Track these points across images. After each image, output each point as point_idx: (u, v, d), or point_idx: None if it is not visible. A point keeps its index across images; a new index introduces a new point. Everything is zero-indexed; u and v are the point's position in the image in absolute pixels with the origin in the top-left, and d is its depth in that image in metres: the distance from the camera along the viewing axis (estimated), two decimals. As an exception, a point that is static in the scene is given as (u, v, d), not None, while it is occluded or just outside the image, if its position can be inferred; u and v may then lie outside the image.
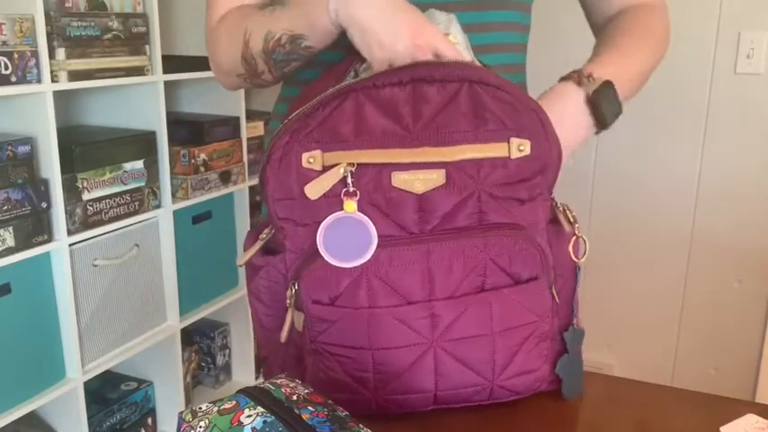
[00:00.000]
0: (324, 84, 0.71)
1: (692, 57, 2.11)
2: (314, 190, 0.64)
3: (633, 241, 2.30)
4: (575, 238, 0.71)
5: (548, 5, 2.21)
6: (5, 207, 1.44)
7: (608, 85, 0.77)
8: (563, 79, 0.79)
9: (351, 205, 0.64)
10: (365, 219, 0.64)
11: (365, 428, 0.51)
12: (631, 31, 0.87)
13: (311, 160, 0.64)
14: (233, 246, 2.19)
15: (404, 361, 0.66)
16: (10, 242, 1.45)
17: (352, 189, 0.64)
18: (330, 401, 0.54)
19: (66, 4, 1.56)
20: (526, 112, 0.66)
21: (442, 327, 0.65)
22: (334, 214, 0.64)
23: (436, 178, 0.64)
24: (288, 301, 0.67)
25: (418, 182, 0.64)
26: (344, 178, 0.64)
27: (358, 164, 0.64)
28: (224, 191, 2.07)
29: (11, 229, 1.45)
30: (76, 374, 1.64)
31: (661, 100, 2.17)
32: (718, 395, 0.76)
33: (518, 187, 0.67)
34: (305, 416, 0.50)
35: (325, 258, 0.64)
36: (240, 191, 2.16)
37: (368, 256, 0.64)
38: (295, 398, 0.53)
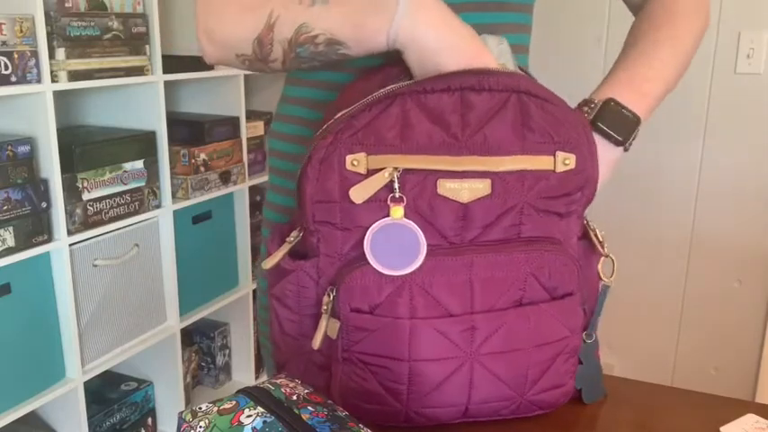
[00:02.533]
0: (366, 86, 0.69)
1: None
2: (359, 194, 0.62)
3: (633, 241, 2.30)
4: (603, 257, 0.72)
5: (547, 5, 2.21)
6: (5, 207, 1.44)
7: (607, 104, 0.77)
8: None
9: (398, 211, 0.63)
10: (413, 225, 0.63)
11: (365, 428, 0.51)
12: (656, 32, 0.85)
13: (355, 162, 0.62)
14: (233, 246, 2.19)
15: (440, 373, 0.65)
16: (10, 242, 1.45)
17: (398, 194, 0.62)
18: (330, 401, 0.54)
19: (66, 4, 1.56)
20: (572, 126, 0.65)
21: (480, 340, 0.64)
22: (381, 220, 0.63)
23: (482, 188, 0.63)
24: (324, 308, 0.65)
25: (464, 191, 0.63)
26: (390, 183, 0.62)
27: (404, 169, 0.62)
28: (224, 191, 2.07)
29: (11, 229, 1.45)
30: (76, 374, 1.64)
31: (661, 100, 2.17)
32: (718, 395, 0.76)
33: (559, 201, 0.66)
34: (305, 416, 0.50)
35: (374, 266, 0.62)
36: (240, 191, 2.16)
37: (417, 264, 0.63)
38: (295, 398, 0.53)
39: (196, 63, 1.92)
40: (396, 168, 0.62)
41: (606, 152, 0.77)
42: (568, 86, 2.23)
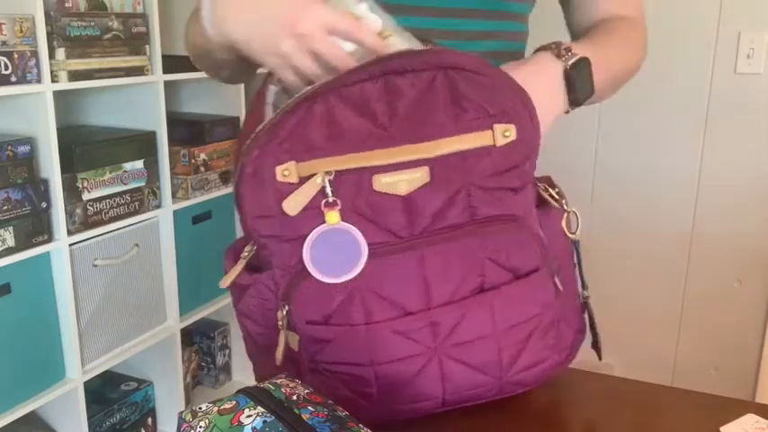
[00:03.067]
0: (257, 111, 0.68)
1: (692, 57, 2.11)
2: (292, 205, 0.60)
3: (633, 241, 2.30)
4: (566, 214, 0.69)
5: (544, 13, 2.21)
6: (5, 207, 1.44)
7: (585, 61, 0.73)
8: (540, 49, 0.75)
9: (333, 216, 0.60)
10: (351, 228, 0.60)
11: (365, 428, 0.51)
12: (611, 34, 0.84)
13: (286, 173, 0.60)
14: (233, 246, 2.19)
15: (407, 372, 0.63)
16: (10, 242, 1.45)
17: (332, 199, 0.60)
18: (330, 401, 0.54)
19: (66, 4, 1.56)
20: (508, 94, 0.62)
21: (444, 333, 0.63)
22: (317, 228, 0.60)
23: (420, 177, 0.61)
24: (279, 323, 0.64)
25: (401, 183, 0.60)
26: (323, 188, 0.60)
27: (336, 171, 0.60)
28: (224, 191, 2.07)
29: (11, 229, 1.45)
30: (76, 374, 1.64)
31: (661, 100, 2.17)
32: (718, 395, 0.76)
33: (509, 176, 0.63)
34: (305, 416, 0.50)
35: (315, 276, 0.60)
36: (240, 191, 2.16)
37: (359, 268, 0.60)
38: (295, 398, 0.53)
39: (196, 63, 1.92)
40: (327, 172, 0.60)
41: (556, 105, 0.73)
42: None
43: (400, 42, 0.66)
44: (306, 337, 0.63)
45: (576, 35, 0.91)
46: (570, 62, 0.72)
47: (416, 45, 0.67)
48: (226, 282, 0.66)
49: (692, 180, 2.18)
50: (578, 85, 0.73)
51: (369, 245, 0.61)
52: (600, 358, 0.75)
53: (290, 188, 0.60)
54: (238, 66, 0.78)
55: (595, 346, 0.75)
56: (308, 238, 0.60)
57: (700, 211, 2.19)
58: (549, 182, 0.72)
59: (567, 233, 0.69)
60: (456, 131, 0.61)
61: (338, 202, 0.60)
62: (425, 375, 0.64)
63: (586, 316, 0.76)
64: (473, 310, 0.63)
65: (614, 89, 0.85)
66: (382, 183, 0.60)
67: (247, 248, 0.66)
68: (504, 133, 0.62)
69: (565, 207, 0.69)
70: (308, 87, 0.62)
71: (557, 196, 0.69)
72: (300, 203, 0.60)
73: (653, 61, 2.15)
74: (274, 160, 0.60)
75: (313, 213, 0.61)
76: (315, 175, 0.60)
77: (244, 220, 0.63)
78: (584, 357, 0.77)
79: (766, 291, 2.14)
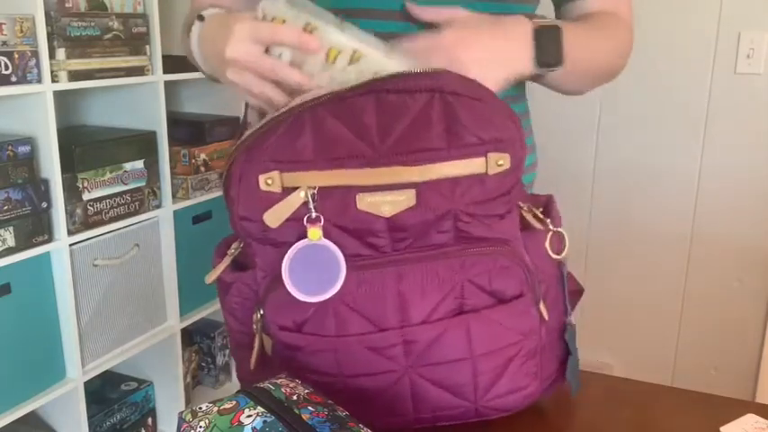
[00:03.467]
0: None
1: (692, 57, 2.11)
2: (273, 218, 0.60)
3: (633, 241, 2.30)
4: (549, 234, 0.66)
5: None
6: (5, 207, 1.44)
7: (556, 28, 0.72)
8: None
9: (315, 233, 0.59)
10: (332, 246, 0.59)
11: (365, 428, 0.51)
12: (597, 23, 0.82)
13: (269, 182, 0.59)
14: (233, 246, 2.19)
15: (377, 388, 0.62)
16: (10, 242, 1.45)
17: (314, 215, 0.59)
18: (330, 401, 0.54)
19: (67, 4, 1.56)
20: (504, 122, 0.60)
21: (417, 353, 0.61)
22: (298, 244, 0.59)
23: (405, 200, 0.59)
24: (254, 326, 0.63)
25: (386, 204, 0.59)
26: (306, 202, 0.59)
27: (320, 186, 0.59)
28: (224, 191, 2.07)
29: (11, 229, 1.45)
30: (76, 374, 1.64)
31: (661, 100, 2.17)
32: (718, 395, 0.76)
33: (496, 203, 0.62)
34: (305, 416, 0.50)
35: (292, 292, 0.59)
36: (240, 191, 2.16)
37: (336, 289, 0.59)
38: (295, 398, 0.53)
39: (196, 63, 1.92)
40: (311, 187, 0.59)
41: (518, 62, 0.71)
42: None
43: (335, 34, 0.64)
44: (279, 342, 0.62)
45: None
46: (540, 24, 0.71)
47: (356, 35, 0.66)
48: (210, 277, 0.66)
49: (692, 180, 2.18)
50: (546, 47, 0.71)
51: (349, 257, 0.60)
52: (573, 392, 0.73)
53: (273, 197, 0.60)
54: None
55: (572, 374, 0.72)
56: (288, 254, 0.59)
57: (700, 211, 2.19)
58: (546, 202, 0.70)
59: (552, 255, 0.67)
60: (448, 157, 0.59)
61: (321, 218, 0.59)
62: (396, 393, 0.63)
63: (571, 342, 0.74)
64: (449, 332, 0.61)
65: (592, 79, 0.83)
66: (366, 202, 0.59)
67: (234, 245, 0.66)
68: (498, 162, 0.60)
69: (550, 227, 0.66)
70: (299, 98, 0.61)
71: (540, 216, 0.67)
72: (281, 217, 0.60)
73: (653, 61, 2.15)
74: (259, 168, 0.59)
75: (296, 224, 0.60)
76: (298, 188, 0.59)
77: (231, 219, 0.63)
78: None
79: (766, 291, 2.14)
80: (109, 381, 1.97)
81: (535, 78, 0.76)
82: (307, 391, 0.55)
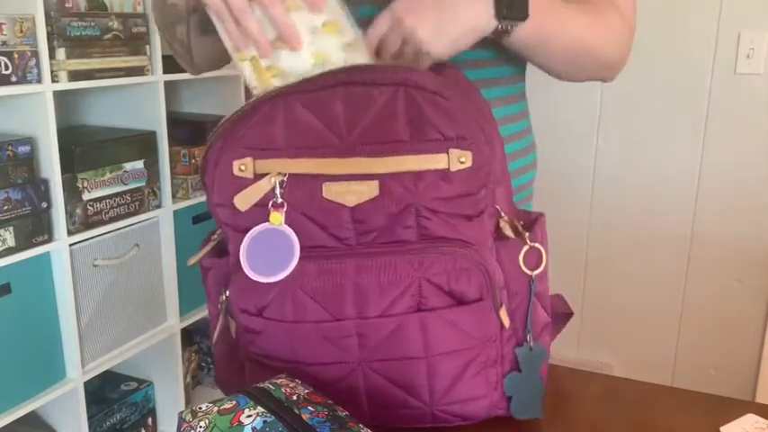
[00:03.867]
0: None
1: (692, 57, 2.11)
2: (242, 201, 0.62)
3: (633, 241, 2.30)
4: (526, 248, 0.66)
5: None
6: (5, 207, 1.44)
7: None
8: None
9: (277, 218, 0.61)
10: (289, 230, 0.62)
11: (365, 428, 0.51)
12: (584, 4, 0.80)
13: (242, 168, 0.62)
14: (233, 246, 2.19)
15: (331, 378, 0.64)
16: (10, 242, 1.45)
17: (279, 200, 0.61)
18: (330, 401, 0.54)
19: (67, 4, 1.56)
20: (467, 120, 0.61)
21: (371, 346, 0.63)
22: (258, 227, 0.62)
23: (368, 190, 0.61)
24: (219, 307, 0.66)
25: (350, 194, 0.61)
26: (274, 188, 0.61)
27: (289, 174, 0.61)
28: (224, 191, 2.07)
29: (11, 229, 1.45)
30: (76, 374, 1.64)
31: (661, 100, 2.17)
32: (718, 395, 0.76)
33: (462, 203, 0.62)
34: (305, 416, 0.50)
35: (246, 271, 0.62)
36: (240, 191, 2.16)
37: (287, 272, 0.61)
38: (295, 398, 0.53)
39: (196, 63, 1.92)
40: (280, 173, 0.61)
41: (480, 16, 0.69)
42: (566, 86, 2.24)
43: (306, 18, 0.67)
44: (241, 325, 0.65)
45: None
46: None
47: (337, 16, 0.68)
48: (192, 261, 0.69)
49: (692, 180, 2.18)
50: (508, 2, 0.69)
51: (313, 247, 0.62)
52: (512, 412, 0.69)
53: (245, 183, 0.62)
54: (195, 36, 0.80)
55: (521, 395, 0.70)
56: (247, 235, 0.62)
57: (700, 211, 2.19)
58: (534, 218, 0.69)
59: (524, 269, 0.67)
60: (411, 151, 0.61)
61: (284, 204, 0.61)
62: (349, 385, 0.64)
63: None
64: (404, 328, 0.62)
65: (574, 56, 0.80)
66: (332, 191, 0.61)
67: (218, 232, 0.69)
68: (460, 159, 0.61)
69: (527, 241, 0.66)
70: (274, 88, 0.64)
71: (520, 229, 0.66)
72: (250, 201, 0.62)
73: (653, 61, 2.15)
74: (234, 154, 0.62)
75: (262, 211, 0.62)
76: (269, 174, 0.61)
77: (209, 206, 0.66)
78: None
79: (766, 291, 2.14)
80: (109, 381, 1.97)
81: (503, 40, 0.74)
82: (306, 391, 0.55)
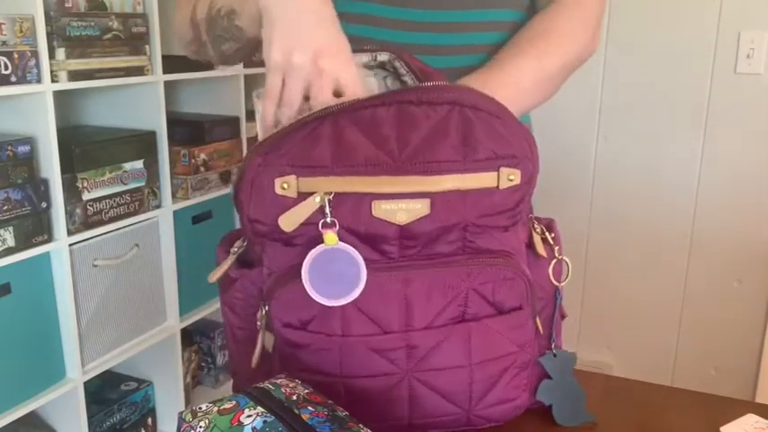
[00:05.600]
0: None
1: (692, 57, 2.11)
2: (288, 222, 0.60)
3: (633, 241, 2.30)
4: (555, 260, 0.68)
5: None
6: (5, 207, 1.44)
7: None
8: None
9: (331, 238, 0.59)
10: (350, 249, 0.60)
11: (365, 428, 0.51)
12: (532, 37, 0.81)
13: (285, 186, 0.59)
14: (233, 246, 2.19)
15: (376, 390, 0.63)
16: (10, 242, 1.45)
17: (330, 219, 0.59)
18: (330, 401, 0.54)
19: (66, 4, 1.56)
20: (518, 140, 0.62)
21: (418, 357, 0.63)
22: (316, 249, 0.60)
23: (420, 209, 0.60)
24: (258, 323, 0.64)
25: (401, 212, 0.60)
26: (321, 207, 0.59)
27: (335, 192, 0.59)
28: (224, 191, 2.07)
29: (11, 229, 1.45)
30: (76, 374, 1.64)
31: (661, 100, 2.17)
32: (718, 395, 0.76)
33: (502, 216, 0.63)
34: (305, 416, 0.50)
35: (312, 296, 0.60)
36: (240, 191, 2.16)
37: (358, 291, 0.60)
38: (295, 398, 0.53)
39: (196, 63, 1.92)
40: (327, 193, 0.59)
41: None
42: (566, 86, 2.24)
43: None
44: (281, 339, 0.63)
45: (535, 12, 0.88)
46: None
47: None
48: (215, 276, 0.66)
49: (692, 180, 2.18)
50: None
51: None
52: (557, 420, 0.72)
53: (288, 202, 0.60)
54: (243, 47, 0.78)
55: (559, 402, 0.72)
56: (306, 259, 0.60)
57: (700, 210, 2.19)
58: (548, 225, 0.71)
59: (553, 281, 0.69)
60: (464, 170, 0.60)
61: (336, 222, 0.60)
62: (393, 396, 0.64)
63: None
64: (451, 339, 0.63)
65: (560, 81, 0.83)
66: (382, 209, 0.60)
67: (238, 243, 0.66)
68: (509, 177, 0.62)
69: (556, 254, 0.68)
70: (318, 107, 0.61)
71: (551, 242, 0.68)
72: (296, 221, 0.60)
73: (653, 61, 2.15)
74: (275, 171, 0.59)
75: (309, 228, 0.60)
76: (314, 193, 0.59)
77: (241, 219, 0.63)
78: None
79: (766, 291, 2.14)
80: (109, 381, 1.97)
81: None
82: (306, 391, 0.55)
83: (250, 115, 2.25)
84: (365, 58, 0.70)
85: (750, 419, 0.71)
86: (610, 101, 2.24)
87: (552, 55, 0.80)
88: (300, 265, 0.60)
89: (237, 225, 2.18)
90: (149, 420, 2.01)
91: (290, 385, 0.55)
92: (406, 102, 0.60)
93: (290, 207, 0.60)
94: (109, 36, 1.64)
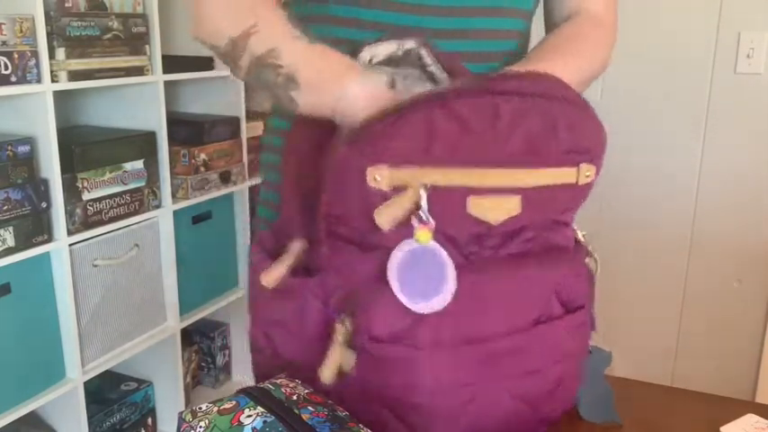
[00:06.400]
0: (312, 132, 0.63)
1: (692, 57, 2.11)
2: (386, 217, 0.54)
3: (633, 241, 2.30)
4: (588, 257, 0.67)
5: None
6: (5, 207, 1.44)
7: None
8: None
9: (426, 235, 0.54)
10: (439, 250, 0.55)
11: (365, 429, 0.51)
12: (568, 39, 0.80)
13: (377, 177, 0.54)
14: (233, 246, 2.19)
15: (459, 401, 0.59)
16: (10, 242, 1.45)
17: (425, 216, 0.54)
18: (330, 401, 0.54)
19: (66, 4, 1.56)
20: (597, 133, 0.61)
21: (502, 363, 0.60)
22: (404, 245, 0.55)
23: (513, 207, 0.57)
24: (339, 338, 0.57)
25: (496, 211, 0.57)
26: (418, 202, 0.54)
27: (432, 186, 0.54)
28: (224, 191, 2.07)
29: (11, 229, 1.45)
30: (76, 374, 1.64)
31: (661, 100, 2.17)
32: (718, 395, 0.76)
33: (571, 212, 0.62)
34: (305, 416, 0.50)
35: (400, 298, 0.55)
36: (240, 191, 2.16)
37: (449, 296, 0.55)
38: (295, 398, 0.53)
39: (196, 63, 1.92)
40: (424, 185, 0.54)
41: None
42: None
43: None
44: (364, 354, 0.57)
45: (550, 28, 0.88)
46: None
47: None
48: (270, 278, 0.59)
49: (692, 180, 2.18)
50: None
51: None
52: (583, 415, 0.73)
53: (379, 195, 0.54)
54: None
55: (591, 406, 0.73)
56: (393, 259, 0.55)
57: (700, 211, 2.19)
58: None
59: (593, 272, 0.68)
60: (552, 163, 0.58)
61: (431, 219, 0.54)
62: (475, 406, 0.60)
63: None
64: (531, 343, 0.60)
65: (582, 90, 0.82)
66: (478, 206, 0.56)
67: (296, 245, 0.60)
68: (586, 173, 0.61)
69: (591, 251, 0.68)
70: (413, 95, 0.58)
71: (582, 239, 0.67)
72: (395, 217, 0.54)
73: (653, 61, 2.15)
74: (365, 161, 0.54)
75: (400, 226, 0.55)
76: (410, 186, 0.54)
77: (317, 217, 0.58)
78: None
79: (766, 291, 2.14)
80: (109, 381, 1.97)
81: None
82: (306, 391, 0.55)
83: (250, 115, 2.25)
84: (393, 46, 0.67)
85: (750, 419, 0.71)
86: (610, 101, 2.24)
87: (583, 71, 0.79)
88: (380, 271, 0.56)
89: (237, 225, 2.18)
90: (149, 420, 2.01)
91: (291, 385, 0.55)
92: (498, 93, 0.57)
93: (381, 201, 0.54)
94: (109, 36, 1.64)
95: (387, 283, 0.55)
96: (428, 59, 0.67)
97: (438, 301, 0.55)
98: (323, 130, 0.62)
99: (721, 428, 0.70)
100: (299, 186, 0.63)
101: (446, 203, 0.55)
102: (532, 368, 0.61)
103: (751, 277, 2.15)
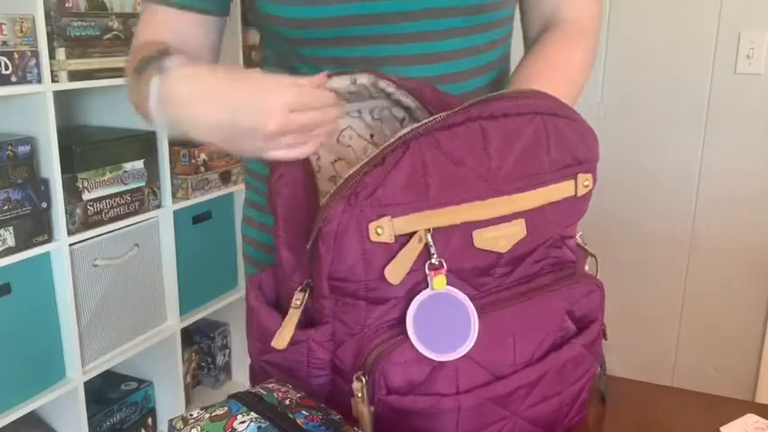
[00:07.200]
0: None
1: (692, 57, 2.10)
2: (395, 272, 0.52)
3: (633, 241, 2.30)
4: (588, 257, 0.68)
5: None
6: (5, 207, 1.44)
7: None
8: None
9: (441, 281, 0.53)
10: (459, 294, 0.53)
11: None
12: (551, 63, 0.77)
13: (380, 231, 0.52)
14: (233, 246, 2.19)
15: None
16: (10, 242, 1.45)
17: (437, 260, 0.53)
18: (323, 405, 0.53)
19: (67, 4, 1.56)
20: (590, 141, 0.60)
21: (524, 395, 0.58)
22: (421, 294, 0.53)
23: (519, 231, 0.56)
24: (359, 395, 0.54)
25: (502, 239, 0.55)
26: (426, 247, 0.52)
27: (434, 228, 0.53)
28: (224, 191, 2.07)
29: (11, 229, 1.45)
30: (76, 374, 1.64)
31: (661, 100, 2.17)
32: (718, 395, 0.76)
33: (575, 225, 0.62)
34: (299, 420, 0.49)
35: (420, 350, 0.53)
36: (240, 191, 2.16)
37: (471, 342, 0.53)
38: (288, 402, 0.52)
39: (196, 63, 1.92)
40: (428, 230, 0.52)
41: None
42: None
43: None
44: (383, 407, 0.54)
45: (528, 38, 0.85)
46: None
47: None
48: (282, 339, 0.56)
49: (692, 180, 2.18)
50: None
51: None
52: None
53: (384, 249, 0.52)
54: None
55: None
56: (411, 309, 0.53)
57: (700, 211, 2.18)
58: None
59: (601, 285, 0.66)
60: (551, 180, 0.57)
61: (443, 263, 0.53)
62: None
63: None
64: (551, 370, 0.59)
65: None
66: (483, 238, 0.55)
67: (298, 297, 0.57)
68: (584, 183, 0.60)
69: (588, 251, 0.67)
70: (399, 133, 0.55)
71: (579, 239, 0.67)
72: (403, 271, 0.53)
73: (653, 61, 2.15)
74: (367, 216, 0.52)
75: (411, 274, 0.54)
76: (414, 233, 0.53)
77: (317, 276, 0.55)
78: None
79: (766, 291, 2.14)
80: (109, 381, 1.97)
81: None
82: (299, 395, 0.54)
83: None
84: (345, 81, 0.63)
85: (750, 419, 0.71)
86: (610, 101, 2.24)
87: (576, 87, 0.78)
88: (392, 323, 0.54)
89: (237, 225, 2.18)
90: (149, 420, 2.01)
91: (282, 389, 0.54)
92: (487, 117, 0.55)
93: (383, 256, 0.52)
94: (109, 36, 1.64)
95: (399, 333, 0.54)
96: (389, 88, 0.65)
97: (461, 349, 0.54)
98: (303, 168, 0.60)
99: (721, 428, 0.70)
100: (291, 230, 0.60)
101: (451, 242, 0.54)
102: (552, 393, 0.61)
103: (751, 277, 2.15)
